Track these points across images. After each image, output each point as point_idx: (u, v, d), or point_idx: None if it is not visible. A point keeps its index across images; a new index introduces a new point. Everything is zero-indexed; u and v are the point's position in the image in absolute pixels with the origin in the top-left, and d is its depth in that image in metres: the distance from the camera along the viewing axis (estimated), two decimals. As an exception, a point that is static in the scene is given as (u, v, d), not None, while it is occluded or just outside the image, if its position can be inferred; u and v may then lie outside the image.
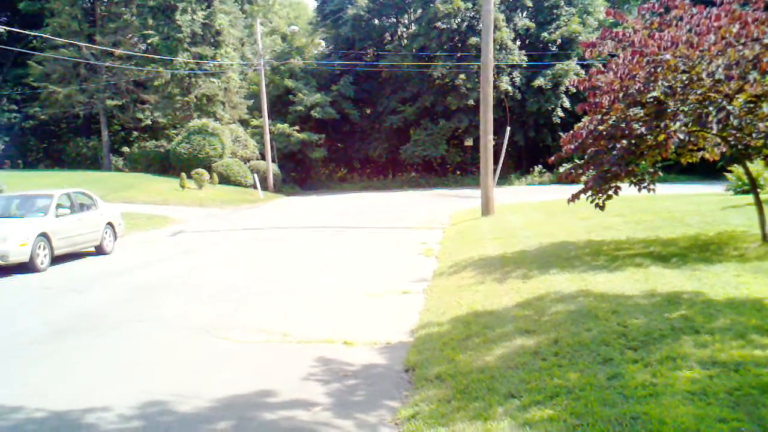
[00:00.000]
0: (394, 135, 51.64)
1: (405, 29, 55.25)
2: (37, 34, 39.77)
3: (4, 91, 52.60)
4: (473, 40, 46.34)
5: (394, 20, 55.11)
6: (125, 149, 49.92)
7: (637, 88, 11.28)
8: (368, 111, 53.82)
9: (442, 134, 50.12)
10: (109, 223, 18.68)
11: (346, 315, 10.46)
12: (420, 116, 50.99)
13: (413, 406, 6.23)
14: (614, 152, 11.97)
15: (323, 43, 56.12)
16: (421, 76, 49.82)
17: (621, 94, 11.62)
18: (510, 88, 47.74)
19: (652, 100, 11.32)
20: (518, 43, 50.21)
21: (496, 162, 27.04)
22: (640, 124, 11.55)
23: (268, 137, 43.09)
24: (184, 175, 36.20)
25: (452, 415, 5.75)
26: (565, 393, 5.77)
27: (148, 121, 47.14)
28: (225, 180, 39.92)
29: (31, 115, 48.81)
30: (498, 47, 45.27)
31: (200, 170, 37.06)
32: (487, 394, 6.04)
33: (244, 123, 49.40)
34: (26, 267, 15.39)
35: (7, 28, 41.34)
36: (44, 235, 15.92)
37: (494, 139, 24.66)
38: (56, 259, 16.43)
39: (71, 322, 10.46)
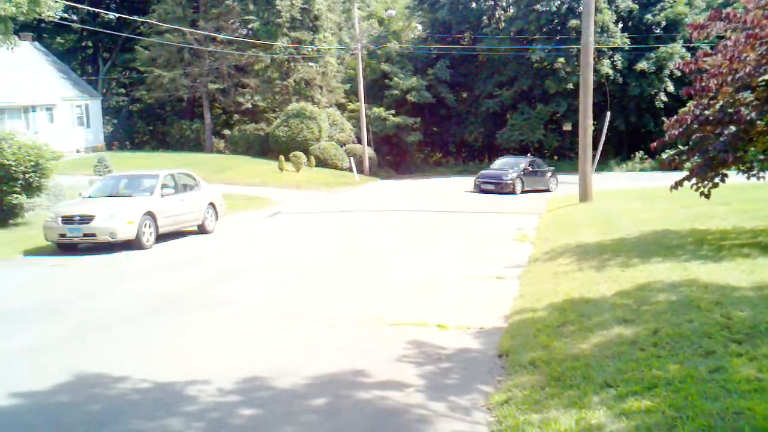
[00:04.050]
0: (490, 119, 51.04)
1: (503, 12, 54.40)
2: (143, 20, 41.19)
3: (114, 75, 54.86)
4: (573, 22, 45.23)
5: (492, 3, 54.31)
6: (226, 132, 51.18)
7: (747, 70, 10.82)
8: (464, 95, 53.32)
9: (539, 118, 49.23)
10: (211, 204, 19.23)
11: (439, 299, 10.48)
12: (517, 100, 50.21)
13: (506, 392, 6.20)
14: (722, 138, 11.53)
15: (420, 27, 55.82)
16: (518, 59, 48.99)
17: (729, 78, 11.16)
18: (611, 72, 46.40)
19: (763, 83, 10.83)
20: (620, 25, 48.68)
21: (595, 147, 26.41)
22: (750, 108, 11.07)
23: (364, 121, 43.34)
24: (282, 157, 36.84)
25: (546, 402, 5.69)
26: (664, 385, 5.62)
27: (249, 105, 48.15)
28: (322, 163, 40.41)
29: (138, 98, 50.78)
30: (599, 30, 44.02)
31: (298, 153, 37.64)
32: (582, 383, 5.95)
33: (340, 107, 49.82)
34: (133, 244, 16.04)
35: (117, 15, 43.02)
36: (150, 214, 16.54)
37: (593, 124, 24.11)
38: (161, 237, 17.05)
39: (173, 298, 10.86)
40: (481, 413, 5.92)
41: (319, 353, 7.83)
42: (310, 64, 45.68)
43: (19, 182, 18.14)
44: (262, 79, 45.61)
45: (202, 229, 18.82)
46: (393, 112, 47.94)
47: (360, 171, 41.10)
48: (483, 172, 33.79)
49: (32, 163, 18.30)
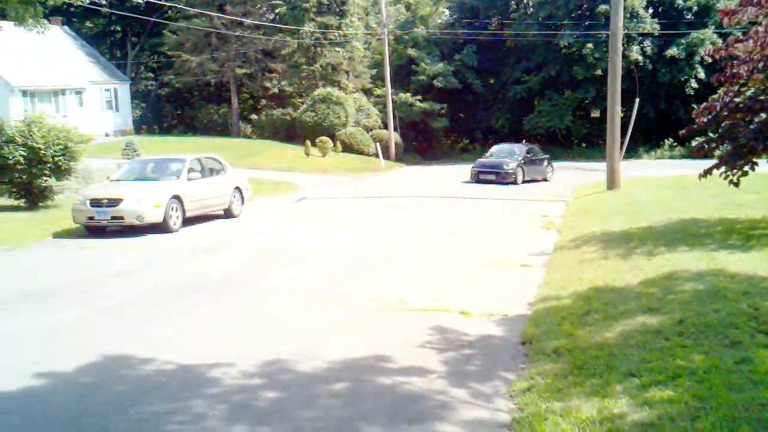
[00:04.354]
0: (518, 105, 50.68)
1: (532, -3, 53.95)
2: (171, 4, 41.40)
3: (142, 59, 55.24)
4: (602, 7, 44.66)
5: (521, -13, 53.88)
6: (253, 117, 51.39)
7: (780, 57, 10.64)
8: (491, 81, 52.94)
9: (567, 105, 48.80)
10: (237, 188, 19.31)
11: (463, 285, 10.47)
12: (545, 86, 49.76)
13: (529, 379, 6.19)
14: (752, 126, 11.36)
15: (447, 12, 55.53)
16: (546, 45, 48.54)
17: (761, 64, 10.99)
18: (640, 58, 45.80)
19: (796, 70, 10.65)
20: (650, 10, 48.01)
21: (623, 134, 26.16)
22: (782, 96, 10.90)
23: (390, 106, 43.24)
24: (308, 142, 36.91)
25: (568, 391, 5.68)
26: (688, 374, 5.57)
27: (275, 90, 48.29)
28: (348, 148, 40.40)
29: (166, 82, 51.07)
30: (628, 15, 43.42)
31: (324, 138, 37.68)
32: (606, 371, 5.92)
33: (367, 92, 49.73)
34: (160, 227, 16.18)
35: (145, -1, 43.30)
36: (177, 198, 16.66)
37: (622, 111, 23.86)
38: (187, 221, 17.17)
39: (199, 281, 10.96)
40: (503, 400, 5.92)
41: (342, 337, 7.86)
42: (337, 49, 45.59)
43: (49, 165, 18.33)
44: (288, 64, 45.67)
45: (228, 214, 18.92)
46: (419, 97, 47.75)
47: (386, 157, 41.04)
48: (480, 160, 31.19)
49: (61, 147, 18.48)
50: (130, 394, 6.21)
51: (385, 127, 44.11)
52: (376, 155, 40.28)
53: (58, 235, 16.20)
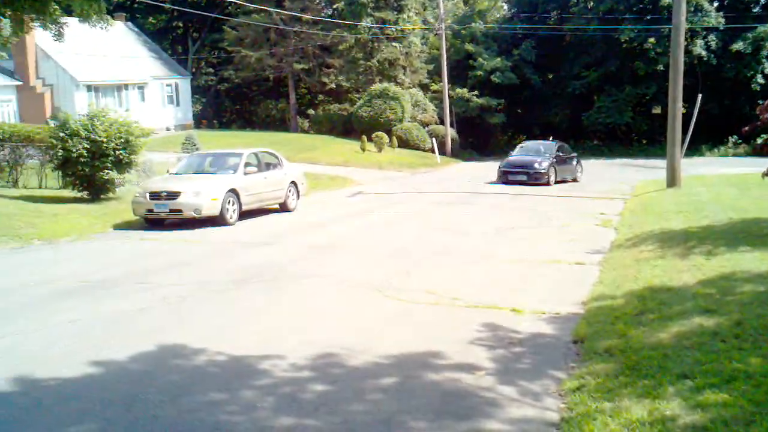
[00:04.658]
0: (577, 101, 49.96)
1: (592, -9, 53.11)
2: (231, 0, 42.00)
3: (202, 54, 56.15)
4: (665, 1, 43.78)
5: (581, -19, 53.11)
6: (310, 111, 51.79)
7: None
8: (550, 76, 52.32)
9: (627, 101, 47.92)
10: (293, 182, 19.50)
11: (515, 282, 10.39)
12: (604, 82, 48.94)
13: (579, 379, 6.11)
14: (819, 123, 11.02)
15: (505, 7, 55.06)
16: (606, 39, 47.71)
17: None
18: (704, 53, 44.73)
19: None
20: (715, 4, 46.78)
21: (685, 131, 25.54)
22: None
23: (447, 102, 43.08)
24: (364, 137, 37.01)
25: (619, 391, 5.59)
26: (744, 378, 5.43)
27: (333, 85, 48.61)
28: (404, 144, 40.41)
29: (225, 77, 51.86)
30: (692, 9, 42.40)
31: (380, 133, 37.74)
32: (658, 373, 5.81)
33: (423, 87, 49.60)
34: (217, 220, 16.46)
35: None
36: (233, 191, 16.91)
37: (684, 107, 23.31)
38: (243, 215, 17.42)
39: (254, 274, 11.10)
40: (552, 399, 5.86)
41: (393, 333, 7.88)
42: (394, 44, 45.60)
43: (110, 158, 18.77)
44: (346, 60, 45.91)
45: (283, 208, 19.13)
46: (476, 93, 47.46)
47: (442, 152, 40.91)
48: (509, 159, 28.45)
49: (122, 140, 18.90)
50: (182, 383, 6.33)
51: (442, 122, 43.95)
52: (432, 151, 40.18)
53: (118, 227, 16.62)
